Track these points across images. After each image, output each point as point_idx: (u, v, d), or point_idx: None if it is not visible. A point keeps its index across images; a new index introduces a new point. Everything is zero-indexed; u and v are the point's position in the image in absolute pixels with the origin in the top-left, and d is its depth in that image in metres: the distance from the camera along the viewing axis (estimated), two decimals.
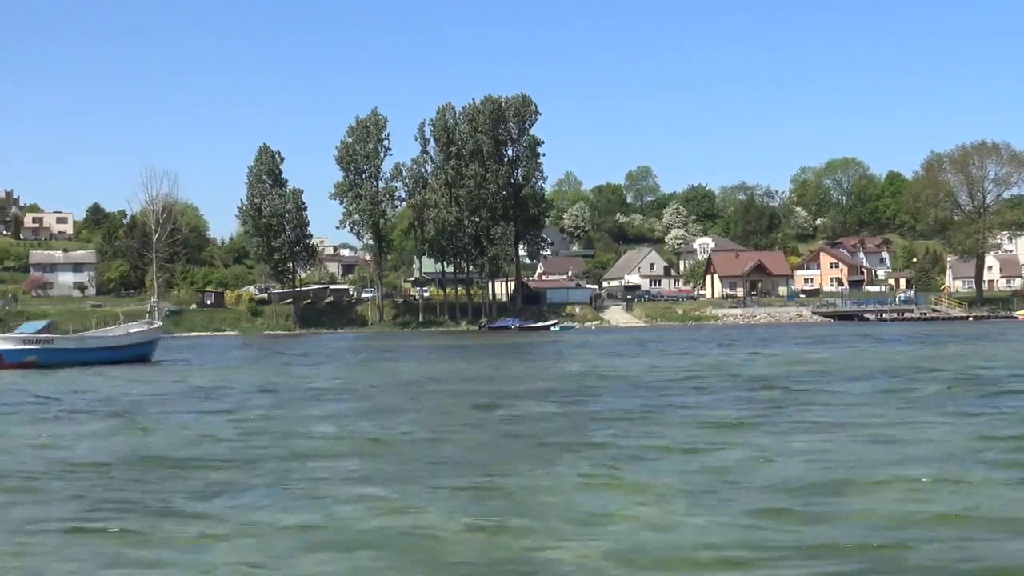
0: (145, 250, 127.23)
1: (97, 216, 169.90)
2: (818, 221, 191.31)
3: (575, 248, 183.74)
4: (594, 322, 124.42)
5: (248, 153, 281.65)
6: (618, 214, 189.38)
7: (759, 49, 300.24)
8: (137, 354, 50.46)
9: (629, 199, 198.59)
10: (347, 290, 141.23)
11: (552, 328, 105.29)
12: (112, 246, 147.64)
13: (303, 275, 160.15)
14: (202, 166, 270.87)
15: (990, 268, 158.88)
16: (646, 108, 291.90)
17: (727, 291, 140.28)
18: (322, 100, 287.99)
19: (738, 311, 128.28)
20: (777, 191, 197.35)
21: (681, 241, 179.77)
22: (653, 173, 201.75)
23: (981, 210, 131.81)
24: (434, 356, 56.52)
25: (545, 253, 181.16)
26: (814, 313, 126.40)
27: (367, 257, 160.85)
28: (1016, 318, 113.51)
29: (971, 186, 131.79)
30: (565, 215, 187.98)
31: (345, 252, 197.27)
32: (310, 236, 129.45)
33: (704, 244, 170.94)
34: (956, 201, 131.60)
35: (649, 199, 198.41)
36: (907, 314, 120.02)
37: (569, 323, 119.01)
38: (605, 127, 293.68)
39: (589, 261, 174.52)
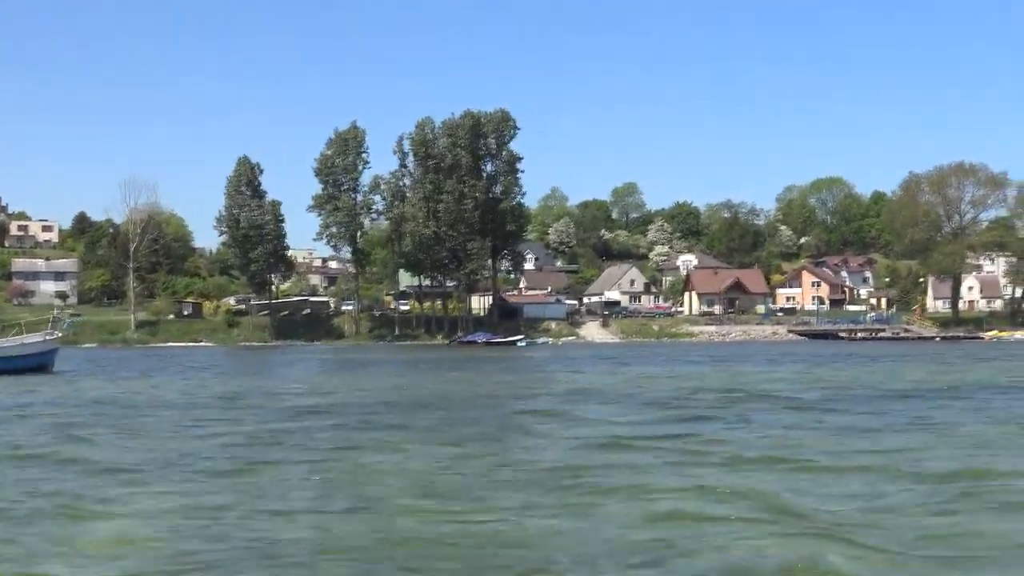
0: (124, 260, 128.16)
1: (83, 225, 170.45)
2: (802, 240, 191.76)
3: (559, 263, 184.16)
4: (569, 337, 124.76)
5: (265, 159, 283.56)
6: (603, 230, 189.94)
7: (746, 67, 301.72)
8: (34, 364, 51.05)
9: (614, 215, 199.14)
10: (327, 302, 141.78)
11: (518, 343, 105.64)
12: (95, 255, 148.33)
13: (284, 286, 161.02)
14: (190, 176, 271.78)
15: (970, 288, 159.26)
16: (633, 125, 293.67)
17: (705, 308, 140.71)
18: (310, 112, 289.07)
19: (713, 328, 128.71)
20: (762, 210, 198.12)
21: (665, 258, 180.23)
22: (639, 190, 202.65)
23: (958, 231, 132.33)
24: (363, 369, 56.88)
25: (529, 267, 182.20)
26: (789, 331, 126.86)
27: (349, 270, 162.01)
28: (982, 338, 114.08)
29: (948, 207, 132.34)
30: (550, 230, 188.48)
31: (335, 264, 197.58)
32: (287, 248, 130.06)
33: (687, 261, 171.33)
34: (934, 222, 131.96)
35: (634, 215, 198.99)
36: (880, 334, 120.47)
37: (545, 338, 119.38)
38: (592, 143, 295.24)
39: (572, 276, 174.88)
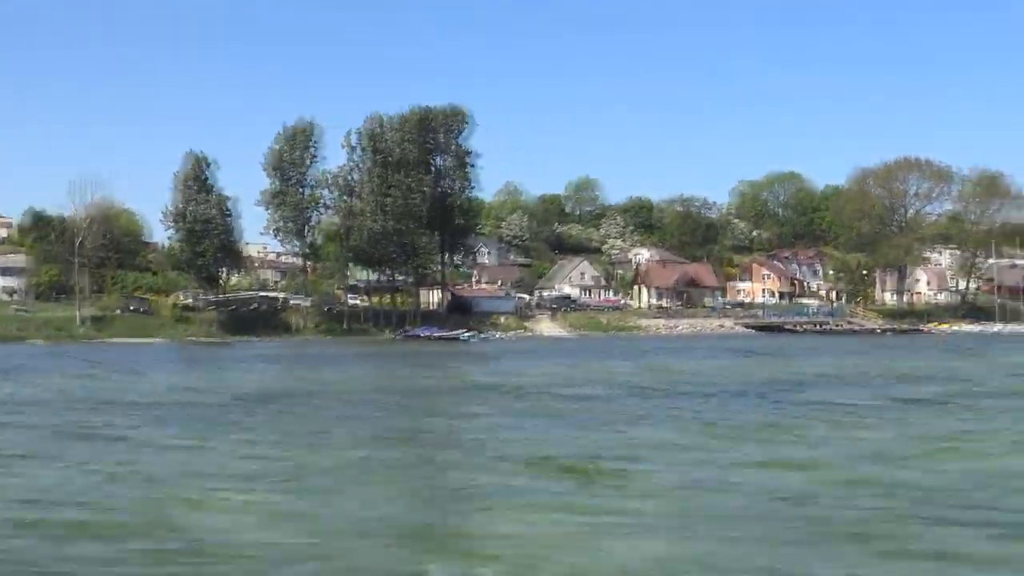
0: (70, 255, 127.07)
1: (37, 221, 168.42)
2: (755, 233, 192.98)
3: (513, 257, 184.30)
4: (520, 331, 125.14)
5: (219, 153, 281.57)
6: (557, 224, 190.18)
7: (700, 64, 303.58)
8: None
9: (569, 209, 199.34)
10: (278, 298, 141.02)
11: (462, 338, 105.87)
12: (45, 251, 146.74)
13: (235, 281, 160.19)
14: (149, 171, 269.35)
15: (918, 281, 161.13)
16: (589, 119, 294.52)
17: (655, 302, 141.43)
18: (268, 109, 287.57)
19: (662, 322, 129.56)
20: (716, 203, 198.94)
21: (618, 252, 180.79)
22: (594, 184, 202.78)
23: (904, 224, 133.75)
24: (285, 365, 57.00)
25: (483, 262, 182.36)
26: (736, 324, 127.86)
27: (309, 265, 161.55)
28: (921, 330, 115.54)
29: (894, 201, 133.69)
30: (503, 224, 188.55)
31: (292, 259, 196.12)
32: (237, 242, 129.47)
33: (640, 255, 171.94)
34: (880, 216, 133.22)
35: (589, 210, 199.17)
36: (825, 326, 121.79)
37: (496, 332, 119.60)
38: (548, 137, 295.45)
39: (526, 271, 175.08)
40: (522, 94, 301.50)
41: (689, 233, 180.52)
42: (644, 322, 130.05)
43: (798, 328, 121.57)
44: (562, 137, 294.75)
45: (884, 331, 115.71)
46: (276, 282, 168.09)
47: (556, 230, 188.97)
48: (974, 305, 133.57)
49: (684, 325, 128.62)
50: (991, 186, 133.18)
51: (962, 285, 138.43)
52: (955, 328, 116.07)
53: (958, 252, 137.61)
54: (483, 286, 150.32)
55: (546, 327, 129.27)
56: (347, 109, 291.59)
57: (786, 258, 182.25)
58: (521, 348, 78.07)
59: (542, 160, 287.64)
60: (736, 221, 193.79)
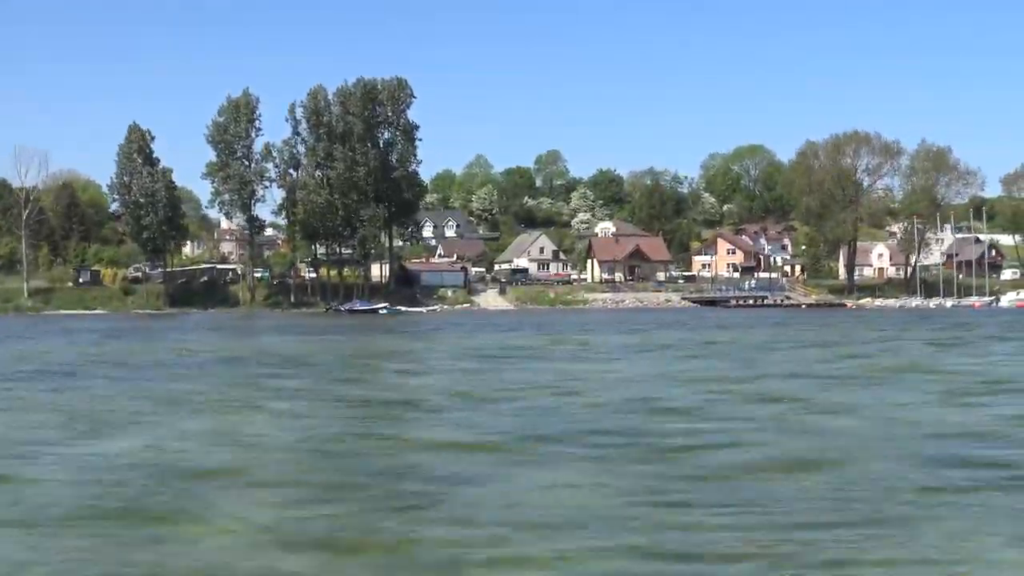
0: (16, 228, 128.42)
1: None
2: (725, 207, 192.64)
3: (482, 231, 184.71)
4: (464, 305, 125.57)
5: (169, 127, 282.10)
6: (526, 197, 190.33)
7: (670, 35, 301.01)
8: None
9: (538, 183, 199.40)
10: (234, 270, 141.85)
11: (380, 311, 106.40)
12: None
13: (195, 254, 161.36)
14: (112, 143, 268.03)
15: (880, 256, 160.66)
16: (557, 92, 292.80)
17: (606, 276, 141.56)
18: (231, 82, 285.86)
19: (608, 296, 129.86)
20: (686, 177, 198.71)
21: (586, 225, 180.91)
22: (563, 157, 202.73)
23: (852, 199, 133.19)
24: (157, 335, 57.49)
25: (450, 235, 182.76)
26: (683, 299, 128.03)
27: (279, 237, 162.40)
28: (845, 306, 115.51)
29: (842, 175, 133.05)
30: (473, 198, 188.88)
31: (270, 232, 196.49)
32: (183, 216, 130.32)
33: (605, 228, 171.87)
34: (828, 190, 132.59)
35: (558, 183, 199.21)
36: (765, 301, 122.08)
37: (436, 306, 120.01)
38: (516, 110, 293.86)
39: (492, 244, 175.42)
40: (494, 65, 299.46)
41: (657, 207, 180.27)
42: (590, 296, 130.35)
43: (737, 302, 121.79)
44: (532, 110, 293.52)
45: (808, 306, 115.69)
46: (241, 255, 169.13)
47: (525, 204, 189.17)
48: (924, 281, 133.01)
49: (630, 299, 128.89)
50: (937, 161, 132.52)
51: (913, 260, 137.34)
52: (879, 303, 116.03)
53: (906, 227, 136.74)
54: (436, 260, 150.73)
55: (491, 301, 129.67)
56: (305, 83, 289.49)
57: (755, 233, 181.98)
58: (438, 322, 78.53)
59: (512, 133, 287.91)
60: (706, 195, 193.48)
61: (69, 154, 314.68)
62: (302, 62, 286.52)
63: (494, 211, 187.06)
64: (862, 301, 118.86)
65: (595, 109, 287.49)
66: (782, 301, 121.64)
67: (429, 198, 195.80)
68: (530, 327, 64.52)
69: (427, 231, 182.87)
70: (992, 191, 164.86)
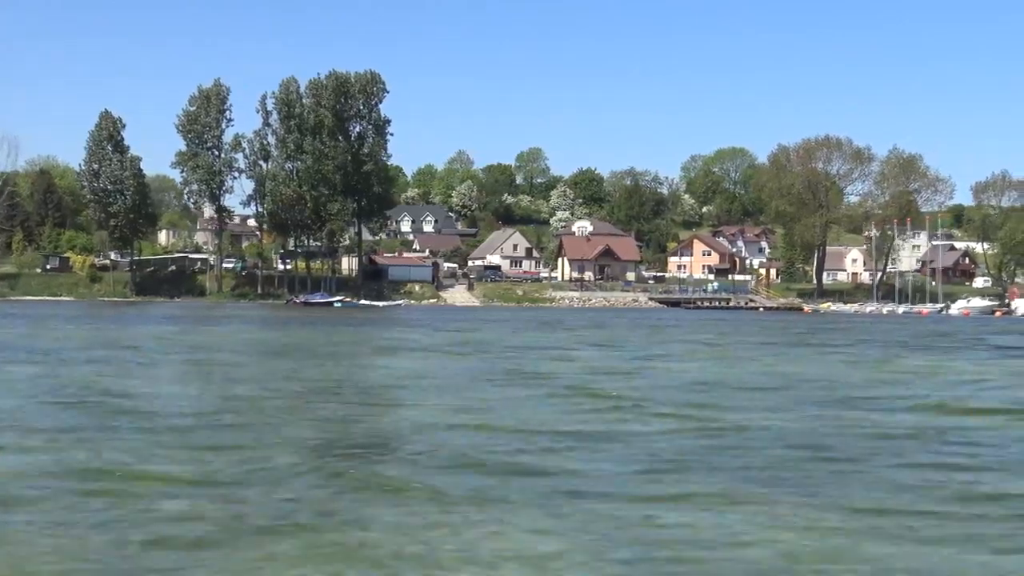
0: None
1: None
2: (704, 209, 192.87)
3: (461, 226, 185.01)
4: (431, 300, 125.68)
5: (142, 118, 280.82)
6: (506, 194, 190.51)
7: (655, 37, 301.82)
8: None
9: (519, 180, 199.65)
10: (205, 259, 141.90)
11: (335, 304, 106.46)
12: None
13: (169, 242, 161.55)
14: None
15: (855, 261, 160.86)
16: (541, 90, 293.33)
17: (575, 274, 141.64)
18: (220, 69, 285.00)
19: (575, 294, 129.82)
20: (667, 178, 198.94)
21: (564, 224, 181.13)
22: (544, 155, 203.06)
23: (822, 203, 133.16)
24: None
25: (429, 230, 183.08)
26: (650, 299, 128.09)
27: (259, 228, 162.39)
28: (802, 310, 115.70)
29: (813, 179, 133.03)
30: (454, 193, 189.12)
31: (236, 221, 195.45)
32: (152, 204, 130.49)
33: (583, 227, 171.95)
34: (798, 195, 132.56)
35: (539, 181, 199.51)
36: (730, 303, 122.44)
37: (401, 300, 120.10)
38: (500, 107, 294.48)
39: (470, 240, 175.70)
40: (478, 62, 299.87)
41: (636, 207, 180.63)
42: (558, 294, 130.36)
43: (701, 304, 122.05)
44: (516, 107, 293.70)
45: (766, 309, 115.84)
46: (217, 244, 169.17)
47: (505, 200, 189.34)
48: (894, 287, 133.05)
49: (597, 298, 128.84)
50: (907, 168, 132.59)
51: (882, 265, 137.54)
52: (835, 308, 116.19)
53: (875, 234, 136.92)
54: (408, 254, 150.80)
55: (459, 296, 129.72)
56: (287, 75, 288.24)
57: (732, 235, 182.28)
58: (382, 316, 78.74)
59: (495, 130, 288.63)
60: (686, 196, 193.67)
61: (49, 141, 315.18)
62: (284, 55, 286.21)
63: (474, 207, 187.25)
64: (821, 306, 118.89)
65: (578, 108, 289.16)
66: (746, 304, 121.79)
67: (410, 192, 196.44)
68: (453, 323, 64.54)
69: (405, 226, 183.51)
70: (963, 199, 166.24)
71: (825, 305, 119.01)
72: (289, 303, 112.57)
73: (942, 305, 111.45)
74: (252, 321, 64.05)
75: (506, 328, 58.32)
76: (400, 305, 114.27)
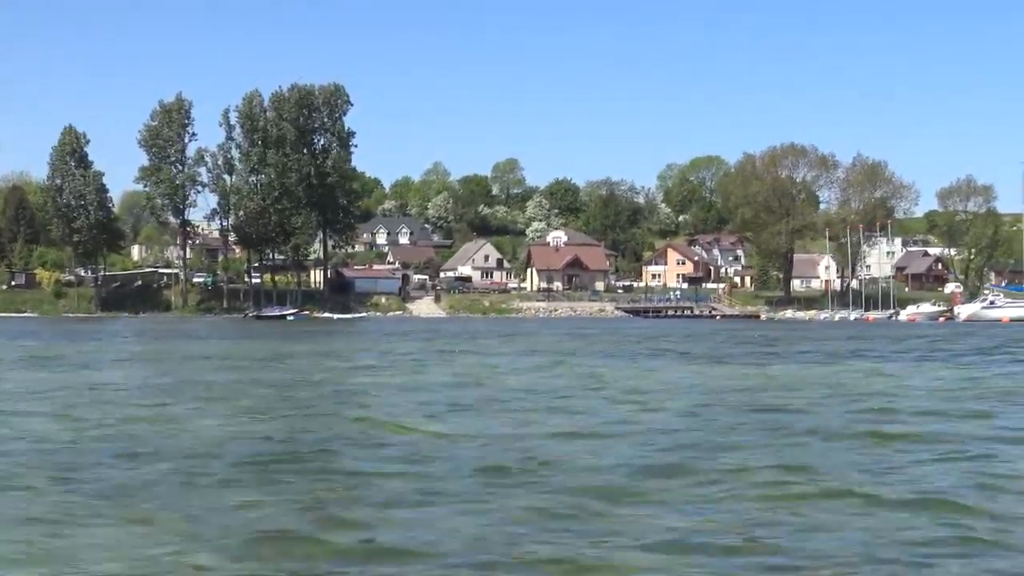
0: None
1: None
2: (680, 218, 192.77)
3: (436, 238, 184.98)
4: (397, 312, 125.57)
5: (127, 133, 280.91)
6: (482, 205, 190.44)
7: (629, 47, 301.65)
8: None
9: (495, 191, 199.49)
10: (174, 274, 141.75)
11: (288, 317, 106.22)
12: None
13: (139, 257, 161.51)
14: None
15: (827, 268, 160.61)
16: (517, 101, 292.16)
17: (544, 284, 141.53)
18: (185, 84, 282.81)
19: (542, 305, 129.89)
20: (644, 188, 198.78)
21: (540, 234, 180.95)
22: (520, 166, 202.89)
23: (788, 211, 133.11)
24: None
25: (404, 242, 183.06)
26: (616, 308, 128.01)
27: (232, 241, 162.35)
28: (758, 317, 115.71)
29: (779, 187, 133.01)
30: (429, 205, 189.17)
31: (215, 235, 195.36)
32: (115, 220, 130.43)
33: (557, 237, 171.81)
34: (764, 202, 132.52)
35: (515, 191, 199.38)
36: (695, 311, 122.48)
37: (366, 312, 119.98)
38: (475, 118, 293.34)
39: (445, 252, 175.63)
40: (454, 73, 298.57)
41: (612, 216, 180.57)
42: (524, 304, 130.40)
43: (664, 313, 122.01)
44: (491, 118, 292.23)
45: (723, 317, 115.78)
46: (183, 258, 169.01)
47: (481, 211, 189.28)
48: (859, 293, 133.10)
49: (564, 308, 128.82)
50: (871, 174, 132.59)
51: (847, 272, 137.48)
52: (789, 315, 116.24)
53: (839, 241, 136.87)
54: (377, 266, 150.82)
55: (425, 308, 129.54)
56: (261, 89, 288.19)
57: (708, 243, 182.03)
58: (332, 329, 78.09)
59: (471, 141, 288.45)
60: (661, 205, 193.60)
61: (23, 156, 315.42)
62: (257, 68, 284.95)
63: (450, 219, 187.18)
64: (779, 314, 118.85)
65: (554, 119, 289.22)
66: (710, 312, 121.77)
67: (387, 204, 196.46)
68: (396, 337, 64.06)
69: (381, 238, 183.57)
70: (930, 205, 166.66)
71: (782, 313, 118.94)
72: (245, 317, 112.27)
73: (891, 312, 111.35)
74: (145, 334, 63.52)
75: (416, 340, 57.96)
76: (363, 317, 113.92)
